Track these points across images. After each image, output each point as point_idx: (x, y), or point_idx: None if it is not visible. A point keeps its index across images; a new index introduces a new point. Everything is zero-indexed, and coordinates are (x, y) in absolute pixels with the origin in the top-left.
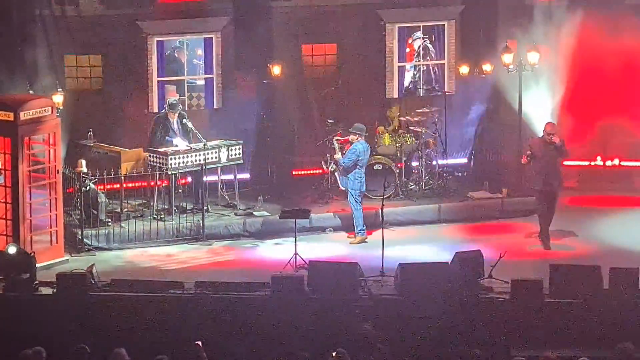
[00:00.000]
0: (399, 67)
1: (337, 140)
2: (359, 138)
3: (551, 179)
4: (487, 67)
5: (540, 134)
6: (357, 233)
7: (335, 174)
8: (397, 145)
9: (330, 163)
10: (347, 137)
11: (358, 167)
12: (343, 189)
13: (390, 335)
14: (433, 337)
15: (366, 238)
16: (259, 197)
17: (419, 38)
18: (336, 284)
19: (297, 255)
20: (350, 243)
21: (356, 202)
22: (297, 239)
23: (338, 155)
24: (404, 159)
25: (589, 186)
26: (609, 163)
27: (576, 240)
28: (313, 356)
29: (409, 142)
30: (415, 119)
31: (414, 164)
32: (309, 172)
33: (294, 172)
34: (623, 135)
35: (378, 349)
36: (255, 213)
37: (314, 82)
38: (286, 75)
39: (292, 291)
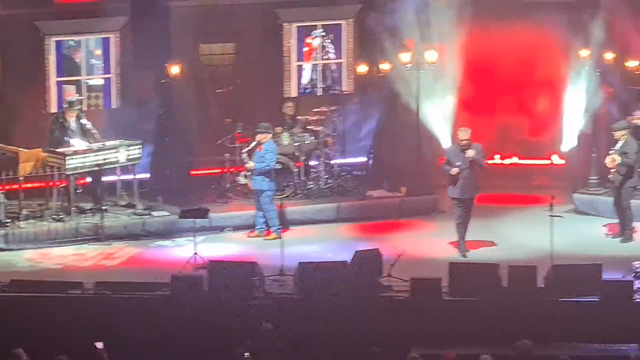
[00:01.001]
0: (297, 66)
1: (246, 151)
2: (267, 136)
3: (468, 186)
4: (385, 66)
5: (437, 132)
6: (274, 231)
7: (247, 181)
8: (296, 144)
9: (240, 177)
10: (247, 137)
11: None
12: (256, 188)
13: (290, 334)
14: (332, 335)
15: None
16: (158, 197)
17: (318, 36)
18: (236, 283)
19: (196, 255)
20: (264, 239)
21: (272, 202)
22: (196, 238)
23: (250, 164)
24: (303, 158)
25: (487, 184)
26: (507, 161)
27: (475, 239)
28: (214, 356)
29: (307, 142)
30: (314, 118)
31: (313, 163)
32: (207, 171)
33: (192, 172)
34: (521, 133)
35: (278, 347)
36: (154, 213)
37: (213, 81)
38: (184, 75)
39: (191, 291)
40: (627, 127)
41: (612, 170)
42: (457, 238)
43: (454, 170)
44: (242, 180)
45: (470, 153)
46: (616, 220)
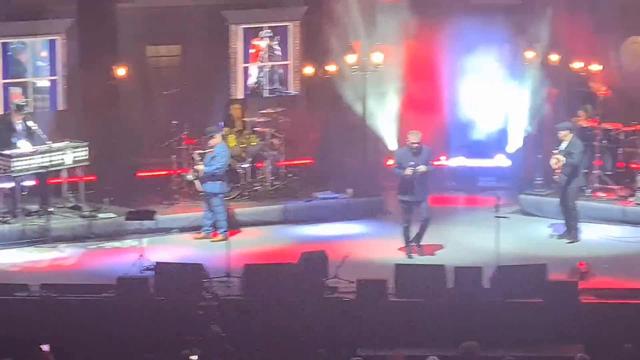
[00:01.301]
0: (243, 67)
1: (199, 153)
2: (218, 138)
3: (419, 189)
4: (331, 67)
5: (383, 133)
6: (221, 233)
7: (195, 181)
8: (242, 146)
9: (188, 173)
10: (193, 139)
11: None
12: (208, 192)
13: (237, 337)
14: (279, 337)
15: (228, 238)
16: (104, 199)
17: (265, 38)
18: (182, 285)
19: (142, 257)
20: (211, 241)
21: (222, 204)
22: (142, 240)
23: (200, 167)
24: (249, 159)
25: (433, 185)
26: (453, 162)
27: (423, 240)
28: (160, 357)
29: (254, 143)
30: (260, 119)
31: (259, 164)
32: (154, 173)
33: (139, 174)
34: (467, 134)
35: (227, 350)
36: (100, 215)
37: (159, 83)
38: (131, 77)
39: (138, 292)
40: (571, 128)
41: (556, 171)
42: (404, 242)
43: (408, 171)
44: (189, 177)
45: (422, 169)
46: (562, 221)
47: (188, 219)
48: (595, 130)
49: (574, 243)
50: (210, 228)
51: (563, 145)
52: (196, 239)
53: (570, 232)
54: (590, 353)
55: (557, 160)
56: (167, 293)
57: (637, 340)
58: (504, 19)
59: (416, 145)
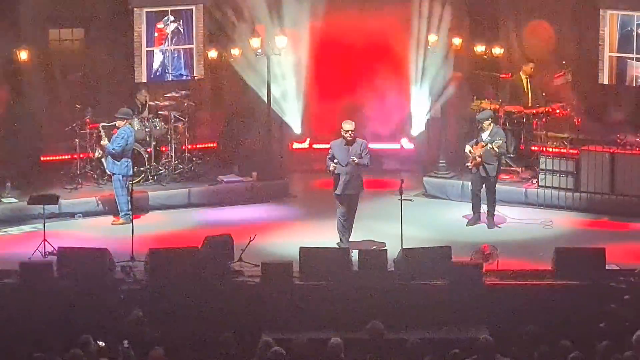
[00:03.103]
0: (147, 51)
1: (103, 126)
2: (126, 123)
3: (352, 183)
4: (235, 51)
5: (287, 117)
6: (122, 217)
7: (102, 159)
8: (147, 130)
9: (96, 149)
10: (96, 123)
11: (125, 151)
12: (109, 173)
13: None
14: (183, 322)
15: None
16: (6, 183)
17: (169, 22)
18: (85, 269)
19: (45, 242)
20: (112, 224)
21: (122, 187)
22: (45, 225)
23: (105, 142)
24: (154, 143)
25: None
26: None
27: (327, 223)
28: (63, 343)
29: (158, 127)
30: (165, 103)
31: (164, 148)
32: (57, 157)
33: (42, 158)
34: (370, 119)
35: (150, 335)
36: (2, 199)
37: (62, 67)
38: (33, 61)
39: (41, 278)
40: (493, 116)
41: (473, 161)
42: (339, 235)
43: (332, 167)
44: (97, 154)
45: (359, 161)
46: (468, 205)
47: (91, 203)
48: (498, 113)
49: (476, 225)
50: (130, 212)
51: (485, 135)
52: (114, 224)
53: (489, 218)
54: (493, 334)
55: (490, 148)
56: (70, 278)
57: (539, 321)
58: (407, 2)
59: (350, 133)
